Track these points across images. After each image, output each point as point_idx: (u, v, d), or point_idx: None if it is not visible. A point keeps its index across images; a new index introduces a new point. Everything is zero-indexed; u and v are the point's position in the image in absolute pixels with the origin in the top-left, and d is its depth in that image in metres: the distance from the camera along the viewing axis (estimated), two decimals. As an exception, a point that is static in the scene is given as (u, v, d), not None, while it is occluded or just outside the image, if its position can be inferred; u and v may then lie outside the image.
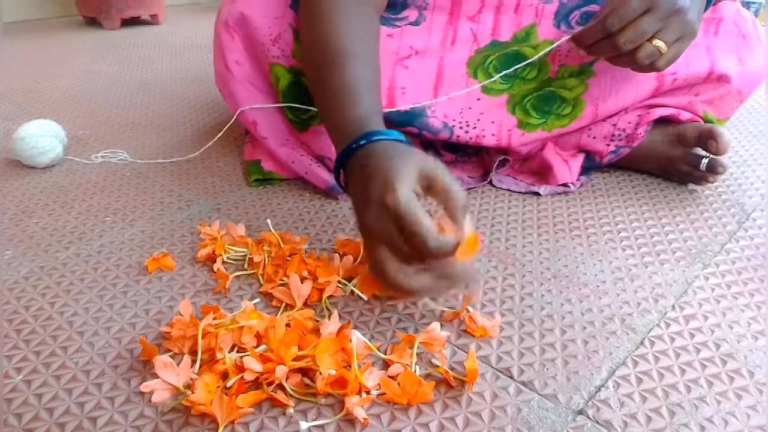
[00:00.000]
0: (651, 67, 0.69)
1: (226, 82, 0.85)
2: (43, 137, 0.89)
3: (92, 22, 2.07)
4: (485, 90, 0.85)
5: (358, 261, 0.64)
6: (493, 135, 0.84)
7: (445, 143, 0.89)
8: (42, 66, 1.56)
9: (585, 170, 0.87)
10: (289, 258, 0.62)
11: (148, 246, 0.70)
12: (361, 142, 0.55)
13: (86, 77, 1.45)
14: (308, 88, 0.73)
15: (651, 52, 0.67)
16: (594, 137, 0.85)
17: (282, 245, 0.64)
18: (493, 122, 0.84)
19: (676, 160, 0.84)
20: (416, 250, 0.48)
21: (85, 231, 0.74)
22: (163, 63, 1.59)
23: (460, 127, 0.83)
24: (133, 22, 2.07)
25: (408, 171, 0.50)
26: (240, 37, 0.82)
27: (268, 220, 0.69)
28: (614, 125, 0.84)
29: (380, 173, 0.50)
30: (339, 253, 0.65)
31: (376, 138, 0.55)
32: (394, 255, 0.49)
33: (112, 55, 1.70)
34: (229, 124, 0.87)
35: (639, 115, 0.83)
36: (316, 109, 0.81)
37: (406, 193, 0.48)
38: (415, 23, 0.84)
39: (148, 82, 1.41)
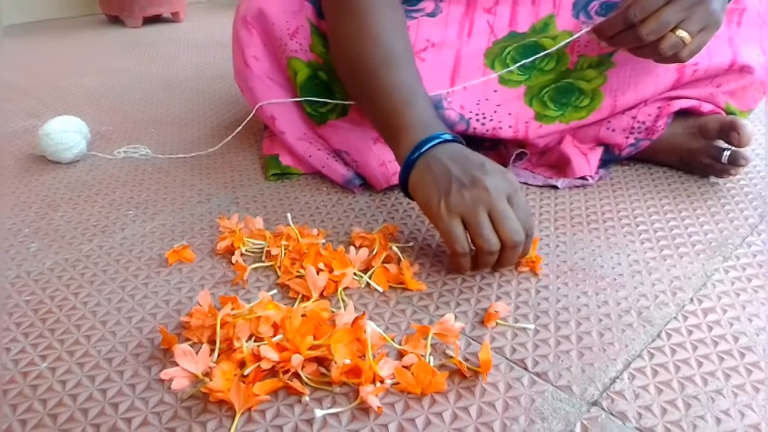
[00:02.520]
0: (674, 58, 0.69)
1: (244, 78, 0.86)
2: (67, 133, 0.91)
3: (115, 21, 2.10)
4: (502, 81, 0.85)
5: (373, 253, 0.64)
6: (510, 127, 0.83)
7: (463, 136, 0.89)
8: (66, 64, 1.59)
9: (604, 163, 0.86)
10: (306, 251, 0.63)
11: (169, 239, 0.71)
12: (446, 137, 0.64)
13: (109, 75, 1.47)
14: (349, 84, 0.75)
15: (674, 43, 0.66)
16: (613, 130, 0.84)
17: (300, 238, 0.65)
18: (510, 114, 0.84)
19: (697, 152, 0.82)
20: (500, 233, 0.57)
21: (108, 224, 0.75)
22: (184, 60, 1.61)
23: (477, 119, 0.83)
24: (154, 20, 2.10)
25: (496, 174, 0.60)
26: (258, 33, 0.83)
27: (288, 214, 0.70)
28: (634, 117, 0.83)
29: (476, 158, 0.61)
30: (355, 246, 0.66)
31: (438, 141, 0.63)
32: (476, 229, 0.57)
33: (135, 52, 1.72)
34: (248, 119, 0.88)
35: (659, 107, 0.82)
36: (334, 103, 0.82)
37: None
38: (432, 14, 0.84)
39: (170, 79, 1.42)
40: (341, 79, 0.78)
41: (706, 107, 0.82)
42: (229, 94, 1.28)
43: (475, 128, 0.83)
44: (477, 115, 0.83)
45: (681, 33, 0.66)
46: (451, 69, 0.83)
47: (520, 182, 0.84)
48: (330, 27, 0.77)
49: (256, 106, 0.85)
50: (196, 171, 0.90)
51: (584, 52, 0.83)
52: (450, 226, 0.58)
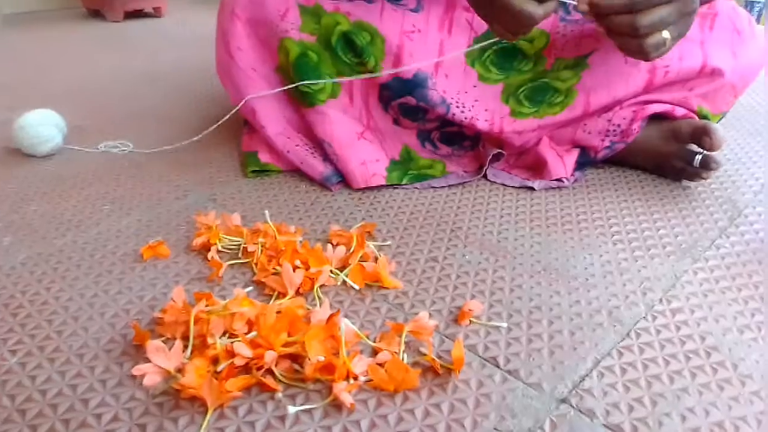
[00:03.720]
0: (644, 55, 0.68)
1: (227, 69, 0.86)
2: (43, 126, 0.90)
3: (96, 15, 2.08)
4: (482, 78, 0.86)
5: (351, 251, 0.64)
6: (486, 121, 0.85)
7: (442, 135, 0.90)
8: (45, 57, 1.57)
9: (580, 165, 0.87)
10: (283, 248, 0.63)
11: (144, 234, 0.71)
12: None
13: (89, 68, 1.46)
14: None
15: (658, 42, 0.67)
16: (589, 132, 0.85)
17: (277, 236, 0.65)
18: (486, 110, 0.85)
19: (670, 155, 0.84)
20: None
21: (83, 219, 0.74)
22: (166, 55, 1.60)
23: (456, 106, 0.84)
24: (136, 14, 2.08)
25: None
26: (243, 23, 0.83)
27: (266, 212, 0.70)
28: (609, 120, 0.84)
29: None
30: (332, 244, 0.66)
31: None
32: (513, 18, 0.63)
33: (115, 47, 1.70)
34: (233, 111, 0.87)
35: (634, 111, 0.83)
36: (324, 82, 0.82)
37: None
38: (414, 10, 0.84)
39: (151, 73, 1.41)
40: None
41: (679, 111, 0.84)
42: (211, 89, 1.27)
43: (454, 114, 0.84)
44: (457, 102, 0.84)
45: (666, 34, 0.67)
46: (436, 56, 0.84)
47: (498, 183, 0.86)
48: None
49: (245, 99, 0.84)
50: (173, 166, 0.89)
51: (561, 54, 0.85)
52: None
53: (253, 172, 0.87)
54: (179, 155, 0.93)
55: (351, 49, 0.82)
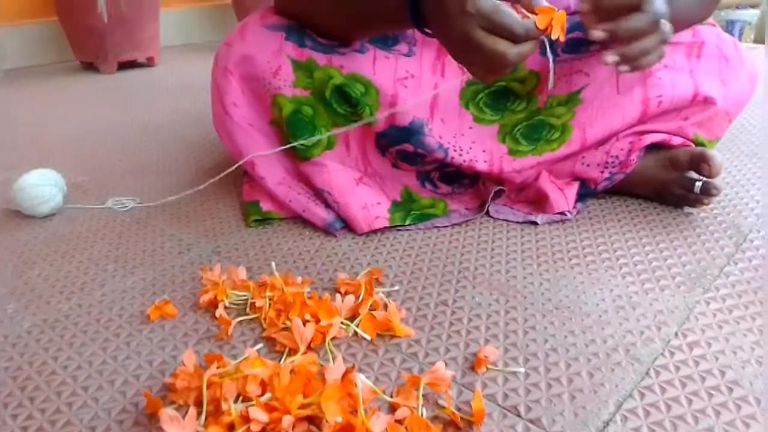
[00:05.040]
0: (639, 66, 0.68)
1: (224, 124, 0.87)
2: (43, 187, 0.90)
3: (89, 67, 2.10)
4: (477, 120, 0.88)
5: (359, 300, 0.64)
6: (485, 162, 0.85)
7: (442, 175, 0.90)
8: (41, 112, 1.58)
9: (581, 197, 0.87)
10: (291, 300, 0.62)
11: (150, 293, 0.70)
12: None
13: (85, 122, 1.46)
14: (324, 18, 0.80)
15: (661, 55, 0.68)
16: (588, 165, 0.86)
17: (284, 288, 0.64)
18: (484, 151, 0.86)
19: (670, 184, 0.84)
20: (508, 38, 0.59)
21: (87, 281, 0.74)
22: (160, 105, 1.61)
23: (455, 150, 0.85)
24: (129, 65, 2.10)
25: None
26: (237, 79, 0.84)
27: (273, 263, 0.69)
28: (607, 152, 0.85)
29: None
30: (340, 293, 0.66)
31: None
32: (487, 59, 0.60)
33: (110, 98, 1.72)
34: (234, 167, 0.86)
35: (631, 142, 0.84)
36: (319, 138, 0.83)
37: None
38: (407, 55, 0.86)
39: (147, 124, 1.42)
40: (325, 27, 0.81)
41: (676, 140, 0.84)
42: (207, 139, 1.28)
43: (452, 158, 0.84)
44: (454, 146, 0.85)
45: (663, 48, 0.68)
46: (430, 100, 0.84)
47: (500, 219, 0.86)
48: (300, 10, 0.82)
49: (246, 158, 0.84)
50: (175, 220, 0.89)
51: (553, 92, 0.86)
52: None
53: (256, 221, 0.87)
54: (180, 208, 0.93)
55: (345, 100, 0.82)
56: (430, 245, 0.79)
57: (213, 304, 0.65)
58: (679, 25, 0.78)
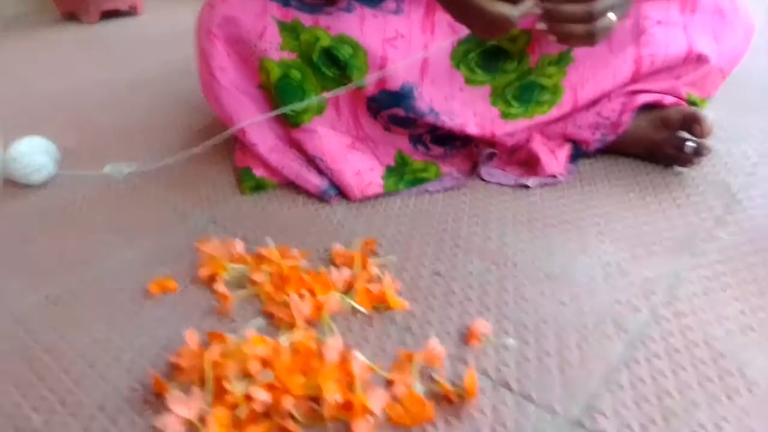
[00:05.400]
0: (593, 41, 0.69)
1: (211, 89, 0.86)
2: (34, 155, 0.89)
3: (70, 17, 2.03)
4: (468, 81, 0.87)
5: (354, 272, 0.65)
6: (476, 125, 0.85)
7: (434, 137, 0.90)
8: (25, 69, 1.55)
9: (572, 158, 0.88)
10: (288, 273, 0.64)
11: (150, 266, 0.71)
12: None
13: (70, 78, 1.44)
14: None
15: (607, 26, 0.68)
16: (579, 126, 0.86)
17: (281, 264, 0.65)
18: (475, 114, 0.86)
19: (661, 143, 0.85)
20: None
21: (88, 254, 0.75)
22: (146, 57, 1.58)
23: (446, 114, 0.84)
24: (112, 14, 2.04)
25: None
26: (223, 42, 0.82)
27: (268, 238, 0.70)
28: (598, 113, 0.85)
29: None
30: (336, 265, 0.67)
31: None
32: (490, 22, 0.63)
33: (94, 51, 1.68)
34: (225, 134, 0.86)
35: (623, 103, 0.84)
36: (308, 102, 0.82)
37: None
38: (395, 12, 0.84)
39: (134, 79, 1.40)
40: None
41: (668, 99, 0.84)
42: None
43: (444, 121, 0.84)
44: (445, 111, 0.84)
45: (612, 16, 0.67)
46: (421, 61, 0.83)
47: (493, 182, 0.86)
48: None
49: (236, 127, 0.84)
50: (170, 186, 0.89)
51: (545, 50, 0.85)
52: None
53: (250, 188, 0.87)
54: (174, 173, 0.92)
55: (334, 63, 0.81)
56: (423, 211, 0.80)
57: (212, 279, 0.67)
58: None
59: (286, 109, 0.82)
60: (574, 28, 0.67)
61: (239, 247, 0.70)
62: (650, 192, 0.81)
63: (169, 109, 1.20)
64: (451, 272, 0.67)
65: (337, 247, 0.71)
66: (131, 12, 2.06)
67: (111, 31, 1.90)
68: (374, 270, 0.66)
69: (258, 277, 0.65)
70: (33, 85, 1.41)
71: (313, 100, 0.81)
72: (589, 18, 0.65)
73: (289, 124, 0.84)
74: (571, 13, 0.66)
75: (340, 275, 0.64)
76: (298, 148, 0.87)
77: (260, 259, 0.68)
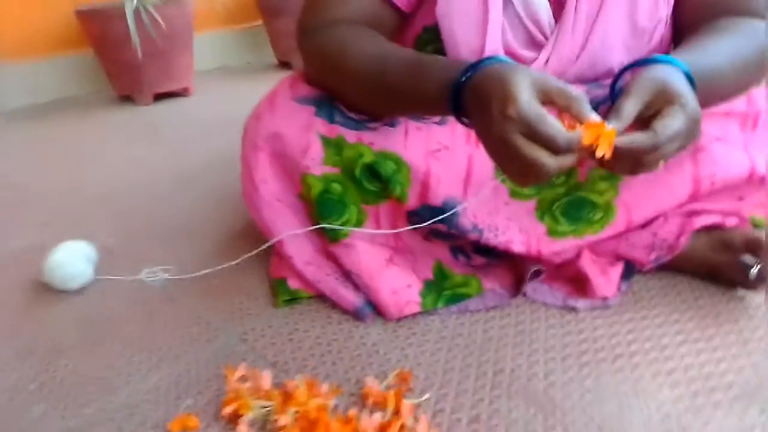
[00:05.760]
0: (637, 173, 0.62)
1: (252, 201, 0.85)
2: (73, 264, 0.90)
3: (126, 99, 2.12)
4: (513, 194, 0.83)
5: (387, 417, 0.61)
6: (522, 243, 0.81)
7: (476, 246, 0.86)
8: (77, 155, 1.61)
9: (624, 275, 0.82)
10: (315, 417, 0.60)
11: (174, 396, 0.68)
12: (470, 73, 0.61)
13: (120, 167, 1.47)
14: (369, 99, 0.76)
15: (654, 167, 0.61)
16: (633, 246, 0.81)
17: (308, 405, 0.62)
18: (521, 230, 0.81)
19: (722, 266, 0.79)
20: (549, 148, 0.55)
21: (113, 377, 0.73)
22: (193, 144, 1.61)
23: (490, 231, 0.80)
24: (165, 96, 2.11)
25: (523, 82, 0.55)
26: (267, 154, 0.82)
27: (299, 377, 0.66)
28: (654, 234, 0.80)
29: (498, 90, 0.56)
30: (367, 405, 0.63)
31: (483, 65, 0.60)
32: (524, 167, 0.56)
33: (146, 136, 1.74)
34: (265, 246, 0.85)
35: (681, 224, 0.79)
36: (345, 225, 0.80)
37: (526, 99, 0.54)
38: (440, 123, 0.82)
39: (179, 171, 1.42)
40: (358, 105, 0.79)
41: (729, 221, 0.79)
42: (238, 189, 1.26)
43: (488, 238, 0.80)
44: (489, 226, 0.81)
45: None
46: (465, 174, 0.80)
47: (538, 300, 0.82)
48: (326, 78, 0.80)
49: (271, 241, 0.83)
50: (204, 296, 0.88)
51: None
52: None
53: (284, 301, 0.85)
54: (210, 281, 0.91)
55: (376, 177, 0.79)
56: (464, 335, 0.76)
57: (236, 416, 0.63)
58: (724, 97, 0.73)
59: (326, 226, 0.80)
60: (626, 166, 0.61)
61: (266, 381, 0.67)
62: (712, 321, 0.75)
63: (212, 205, 1.20)
64: (493, 418, 0.62)
65: (370, 382, 0.67)
66: (183, 93, 2.14)
67: (163, 114, 1.96)
68: (408, 416, 0.61)
69: (284, 419, 0.61)
70: (80, 173, 1.45)
71: (351, 229, 0.80)
72: (651, 167, 0.60)
73: (327, 238, 0.82)
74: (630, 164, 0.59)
75: (370, 422, 0.60)
76: (336, 261, 0.84)
77: (287, 396, 0.64)
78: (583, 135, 0.54)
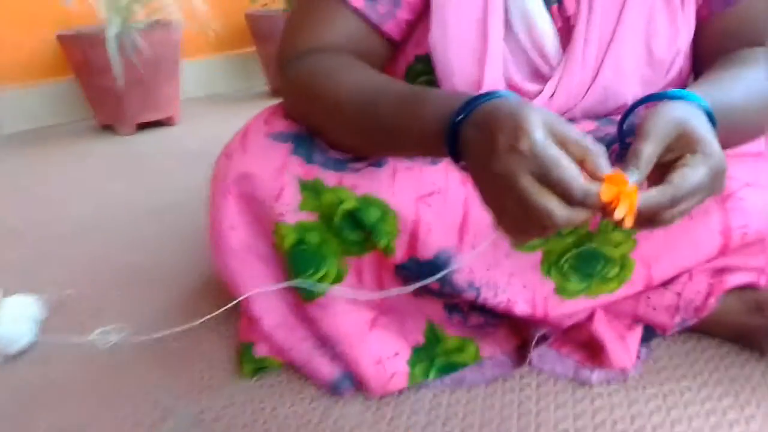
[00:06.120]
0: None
1: (218, 249, 0.73)
2: (15, 324, 0.79)
3: (108, 128, 2.02)
4: (516, 246, 0.72)
5: None
6: (526, 303, 0.70)
7: (473, 305, 0.75)
8: (52, 188, 1.51)
9: (644, 338, 0.72)
10: None
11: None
12: (472, 106, 0.51)
13: (94, 203, 1.37)
14: (356, 140, 0.66)
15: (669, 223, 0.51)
16: (654, 308, 0.70)
17: None
18: (525, 287, 0.70)
19: (756, 330, 0.69)
20: (561, 196, 0.45)
21: (40, 470, 0.61)
22: (174, 177, 1.51)
23: (488, 289, 0.69)
24: (148, 125, 2.02)
25: (538, 118, 0.46)
26: (236, 197, 0.71)
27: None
28: (679, 294, 0.69)
29: (508, 122, 0.46)
30: None
31: (488, 97, 0.51)
32: (528, 216, 0.46)
33: (126, 167, 1.65)
34: (231, 305, 0.73)
35: (709, 284, 0.68)
36: (322, 281, 0.69)
37: (541, 135, 0.45)
38: (433, 162, 0.71)
39: (155, 206, 1.31)
40: (345, 143, 0.68)
41: (764, 280, 0.68)
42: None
43: (486, 298, 0.69)
44: (488, 284, 0.70)
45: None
46: (460, 221, 0.69)
47: (545, 370, 0.70)
48: (308, 112, 0.70)
49: (238, 299, 0.71)
50: (158, 363, 0.77)
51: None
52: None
53: (250, 370, 0.73)
54: (169, 343, 0.79)
55: (358, 225, 0.69)
56: (459, 415, 0.65)
57: None
58: (746, 137, 0.66)
59: (300, 283, 0.69)
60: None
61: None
62: (748, 397, 0.64)
63: (185, 248, 1.09)
64: None
65: (344, 484, 0.55)
66: (168, 122, 2.04)
67: (146, 144, 1.87)
68: None
69: None
70: (50, 210, 1.35)
71: (328, 287, 0.69)
72: (669, 222, 0.49)
73: (302, 297, 0.71)
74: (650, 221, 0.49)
75: None
76: (311, 324, 0.73)
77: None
78: (602, 190, 0.44)
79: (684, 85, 0.75)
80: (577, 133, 0.46)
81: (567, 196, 0.45)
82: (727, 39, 0.71)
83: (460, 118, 0.51)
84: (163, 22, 1.94)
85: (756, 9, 0.72)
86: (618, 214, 0.44)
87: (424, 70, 0.74)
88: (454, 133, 0.52)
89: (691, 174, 0.47)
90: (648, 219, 0.48)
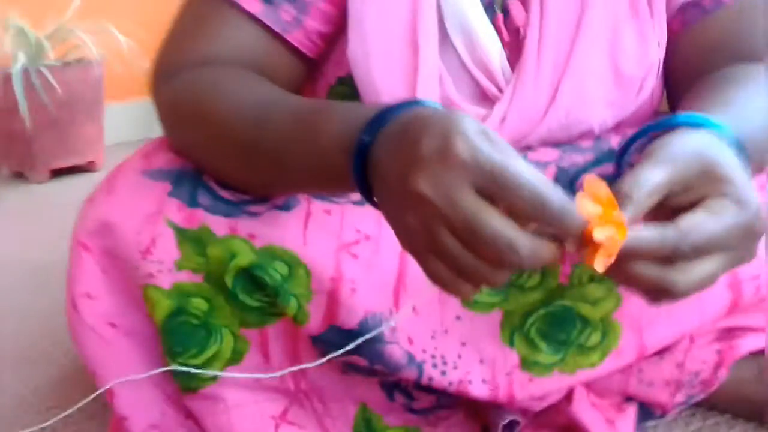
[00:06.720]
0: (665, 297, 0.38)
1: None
2: None
3: (19, 176, 1.84)
4: (467, 303, 0.56)
5: None
6: (484, 382, 0.55)
7: (420, 387, 0.59)
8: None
9: (639, 419, 0.58)
10: None
11: None
12: (393, 113, 0.40)
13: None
14: (227, 162, 0.53)
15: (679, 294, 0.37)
16: (649, 384, 0.57)
17: None
18: (481, 361, 0.55)
19: (779, 406, 0.54)
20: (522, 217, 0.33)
21: None
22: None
23: (434, 365, 0.54)
24: (66, 171, 1.84)
25: (475, 123, 0.36)
26: (97, 254, 0.54)
27: None
28: (680, 366, 0.55)
29: (437, 126, 0.36)
30: None
31: (412, 105, 0.41)
32: (477, 244, 0.33)
33: (32, 219, 1.48)
34: (91, 398, 0.55)
35: (718, 351, 0.55)
36: (211, 363, 0.53)
37: (483, 138, 0.34)
38: (359, 203, 0.56)
39: (48, 269, 1.13)
40: (232, 176, 0.54)
41: (785, 342, 0.55)
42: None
43: (431, 377, 0.54)
44: (433, 356, 0.54)
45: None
46: (396, 276, 0.54)
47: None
48: (185, 136, 0.56)
49: (95, 393, 0.54)
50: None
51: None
52: None
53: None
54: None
55: (259, 287, 0.52)
56: None
57: None
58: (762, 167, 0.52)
59: (179, 368, 0.52)
60: (642, 270, 0.36)
61: None
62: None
63: (56, 325, 0.91)
64: None
65: None
66: (89, 168, 1.87)
67: (59, 193, 1.69)
68: None
69: None
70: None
71: (215, 373, 0.52)
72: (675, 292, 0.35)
73: (182, 387, 0.54)
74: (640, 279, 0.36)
75: None
76: (197, 422, 0.55)
77: None
78: (579, 203, 0.32)
79: (657, 107, 0.65)
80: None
81: (532, 215, 0.33)
82: (709, 54, 0.59)
83: (371, 131, 0.37)
84: (82, 60, 1.80)
85: (745, 15, 0.60)
86: (598, 236, 0.31)
87: (350, 94, 0.62)
88: (362, 151, 0.37)
89: (708, 223, 0.34)
90: (644, 279, 0.34)
